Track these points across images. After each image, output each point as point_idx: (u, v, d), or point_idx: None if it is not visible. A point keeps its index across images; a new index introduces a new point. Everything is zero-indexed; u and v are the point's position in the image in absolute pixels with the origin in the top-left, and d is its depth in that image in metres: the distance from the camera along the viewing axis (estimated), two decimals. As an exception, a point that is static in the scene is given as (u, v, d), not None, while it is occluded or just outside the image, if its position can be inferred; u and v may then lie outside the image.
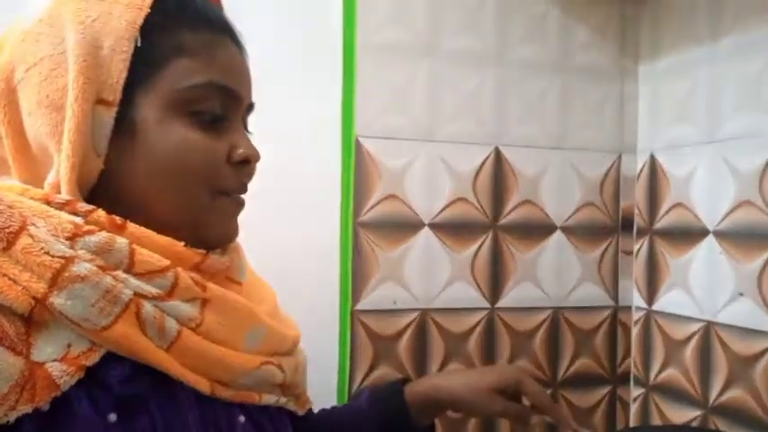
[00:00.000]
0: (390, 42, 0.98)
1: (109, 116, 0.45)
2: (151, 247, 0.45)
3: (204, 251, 0.49)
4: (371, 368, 0.97)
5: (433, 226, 1.01)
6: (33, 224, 0.41)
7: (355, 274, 0.97)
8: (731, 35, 0.95)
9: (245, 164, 0.51)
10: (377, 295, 0.98)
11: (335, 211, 0.97)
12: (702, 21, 1.00)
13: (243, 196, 0.53)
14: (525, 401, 0.71)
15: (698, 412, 0.99)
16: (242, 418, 0.51)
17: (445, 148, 1.01)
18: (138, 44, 0.45)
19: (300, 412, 0.60)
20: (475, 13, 1.02)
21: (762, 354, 0.89)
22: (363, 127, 0.97)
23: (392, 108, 0.98)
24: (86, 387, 0.41)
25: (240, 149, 0.50)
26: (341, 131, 0.97)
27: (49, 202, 0.44)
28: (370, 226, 0.98)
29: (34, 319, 0.40)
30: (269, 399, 0.54)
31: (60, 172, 0.45)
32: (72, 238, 0.42)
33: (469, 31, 1.02)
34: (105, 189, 0.47)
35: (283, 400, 0.56)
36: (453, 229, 1.02)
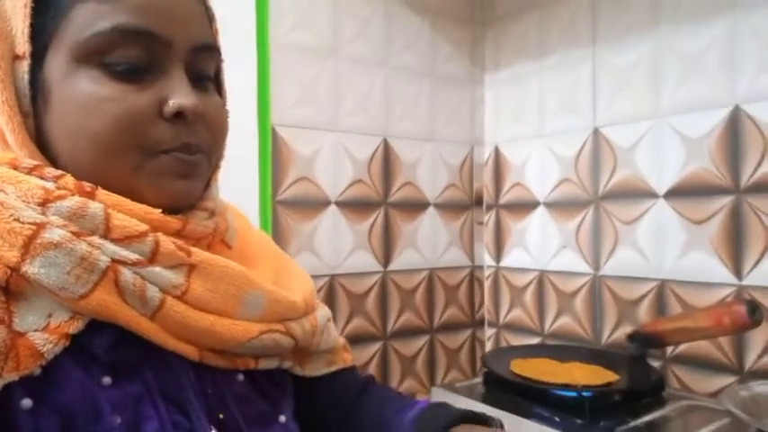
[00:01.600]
0: (299, 44, 1.13)
1: (23, 71, 0.43)
2: (126, 214, 0.42)
3: (184, 217, 0.46)
4: (291, 327, 1.12)
5: (338, 203, 1.19)
6: (2, 191, 0.40)
7: (276, 246, 1.11)
8: (554, 55, 1.28)
9: (182, 118, 0.44)
10: (294, 264, 1.13)
11: (255, 191, 1.09)
12: (532, 42, 1.32)
13: (193, 155, 0.46)
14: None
15: (537, 339, 1.31)
16: (240, 377, 0.49)
17: (346, 138, 1.19)
18: None
19: (311, 371, 0.58)
20: (366, 23, 1.22)
21: (580, 289, 1.23)
22: (278, 117, 1.11)
23: (302, 101, 1.14)
24: (75, 354, 0.40)
25: (171, 101, 0.44)
26: (257, 121, 1.09)
27: (16, 167, 0.42)
28: (287, 204, 1.12)
29: (12, 288, 0.38)
30: (268, 363, 0.51)
31: (7, 136, 0.43)
32: (43, 204, 0.40)
33: (362, 39, 1.22)
34: (45, 149, 0.44)
35: (288, 363, 0.54)
36: (354, 206, 1.21)
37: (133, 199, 0.44)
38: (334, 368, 0.60)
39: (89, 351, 0.41)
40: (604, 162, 1.19)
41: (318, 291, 1.16)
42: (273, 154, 1.10)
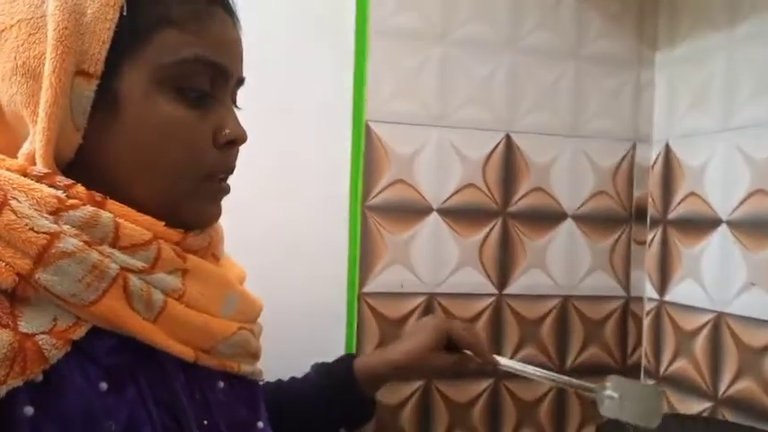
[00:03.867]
0: (403, 28, 0.99)
1: (89, 89, 0.43)
2: (133, 224, 0.45)
3: (183, 231, 0.48)
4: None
5: (442, 211, 1.01)
6: (15, 198, 0.40)
7: (363, 257, 0.98)
8: (748, 21, 0.93)
9: (231, 145, 0.50)
10: (384, 278, 0.99)
11: (345, 195, 0.98)
12: (720, 7, 0.98)
13: (228, 181, 0.52)
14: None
15: (707, 404, 0.98)
16: (221, 384, 0.52)
17: (456, 134, 1.01)
18: (124, 12, 0.43)
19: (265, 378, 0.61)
20: (487, -1, 1.02)
21: (773, 345, 0.88)
22: (374, 111, 0.98)
23: (403, 93, 0.99)
24: (74, 359, 0.41)
25: (226, 130, 0.48)
26: (351, 115, 0.98)
27: (26, 174, 0.42)
28: (378, 210, 0.99)
29: (18, 294, 0.39)
30: (246, 369, 0.54)
31: (35, 144, 0.43)
32: (56, 213, 0.41)
33: (482, 18, 1.02)
34: (83, 165, 0.45)
35: (258, 371, 0.57)
36: (462, 215, 1.02)
37: (175, 217, 0.47)
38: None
39: (88, 355, 0.42)
40: (821, 167, 0.82)
41: (413, 311, 1.00)
42: (365, 153, 0.98)
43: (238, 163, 0.53)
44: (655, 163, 1.11)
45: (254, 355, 0.57)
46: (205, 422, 0.48)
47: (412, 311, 1.00)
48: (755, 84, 0.92)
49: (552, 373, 0.80)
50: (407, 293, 1.00)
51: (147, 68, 0.44)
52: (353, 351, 0.97)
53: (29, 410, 0.38)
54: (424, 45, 1.00)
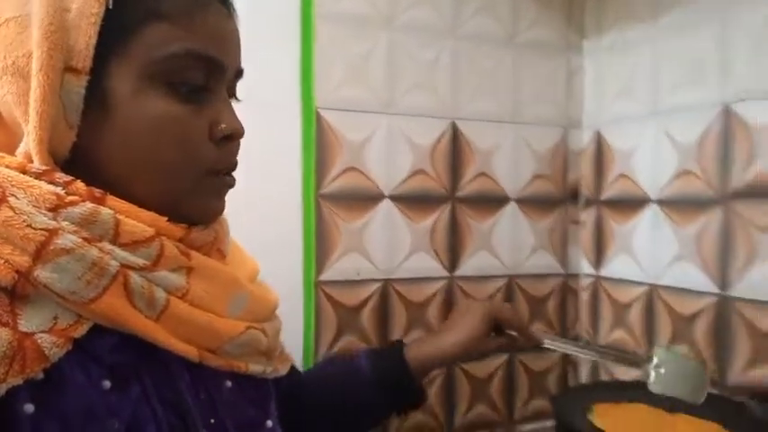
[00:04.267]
0: (348, 13, 0.98)
1: (79, 86, 0.42)
2: (135, 220, 0.44)
3: (186, 226, 0.48)
4: (336, 338, 0.98)
5: (394, 198, 1.02)
6: (13, 195, 0.40)
7: (318, 246, 0.97)
8: (670, 15, 1.01)
9: (229, 140, 0.49)
10: (340, 266, 0.99)
11: (297, 184, 0.96)
12: (643, 0, 1.06)
13: (233, 174, 0.51)
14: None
15: (643, 369, 1.05)
16: (229, 383, 0.52)
17: (404, 121, 1.02)
18: (110, 6, 0.42)
19: (283, 371, 0.60)
20: (431, -14, 1.04)
21: (701, 312, 0.96)
22: (323, 98, 0.97)
23: (351, 80, 0.99)
24: (76, 358, 0.41)
25: (222, 125, 0.47)
26: (300, 103, 0.96)
27: (25, 172, 0.42)
28: (332, 198, 0.98)
29: (17, 292, 0.39)
30: (255, 368, 0.54)
31: (29, 144, 0.42)
32: (54, 210, 0.40)
33: (424, 3, 1.03)
34: (79, 163, 0.44)
35: (269, 369, 0.56)
36: (413, 201, 1.04)
37: (177, 213, 0.46)
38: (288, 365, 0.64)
39: (90, 354, 0.41)
40: (737, 149, 0.91)
41: (369, 297, 1.01)
42: (317, 141, 0.97)
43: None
44: (587, 147, 1.18)
45: (266, 354, 0.56)
46: (212, 421, 0.48)
47: (368, 298, 1.01)
48: (680, 73, 1.00)
49: (598, 348, 0.83)
50: (364, 280, 1.00)
51: (135, 64, 0.43)
52: (311, 339, 0.97)
53: (29, 408, 0.38)
54: (370, 30, 1.00)
